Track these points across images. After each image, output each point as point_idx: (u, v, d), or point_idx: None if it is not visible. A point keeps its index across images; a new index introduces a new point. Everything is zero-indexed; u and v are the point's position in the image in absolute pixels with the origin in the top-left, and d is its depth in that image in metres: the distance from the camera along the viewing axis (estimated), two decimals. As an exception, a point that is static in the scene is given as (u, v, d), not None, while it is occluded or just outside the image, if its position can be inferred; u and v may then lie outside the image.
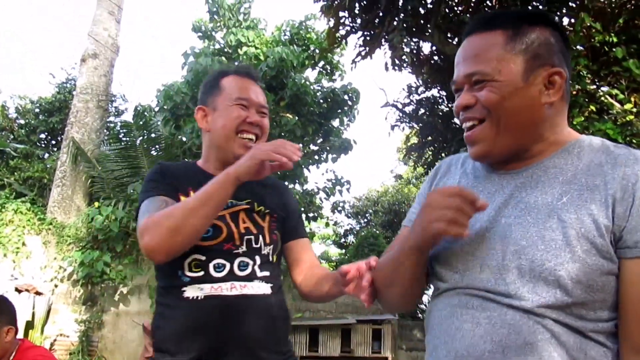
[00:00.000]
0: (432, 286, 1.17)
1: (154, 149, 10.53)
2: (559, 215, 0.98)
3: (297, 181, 12.19)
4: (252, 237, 1.54)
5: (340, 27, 6.46)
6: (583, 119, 5.60)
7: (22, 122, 14.10)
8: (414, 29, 5.99)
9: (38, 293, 8.47)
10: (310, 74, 12.37)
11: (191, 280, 1.46)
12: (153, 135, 10.62)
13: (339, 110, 11.60)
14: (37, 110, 13.95)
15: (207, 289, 1.45)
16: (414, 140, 9.50)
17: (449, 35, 6.18)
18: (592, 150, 1.07)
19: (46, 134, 14.11)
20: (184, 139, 10.84)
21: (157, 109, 11.06)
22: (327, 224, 17.63)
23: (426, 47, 7.13)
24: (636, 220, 0.95)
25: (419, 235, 1.04)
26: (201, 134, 1.75)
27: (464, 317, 1.01)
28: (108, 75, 11.21)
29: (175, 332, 1.45)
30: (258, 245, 1.54)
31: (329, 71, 12.48)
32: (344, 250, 17.79)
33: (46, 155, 13.11)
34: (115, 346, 8.83)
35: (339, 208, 14.77)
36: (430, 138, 8.18)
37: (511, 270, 0.98)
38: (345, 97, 11.33)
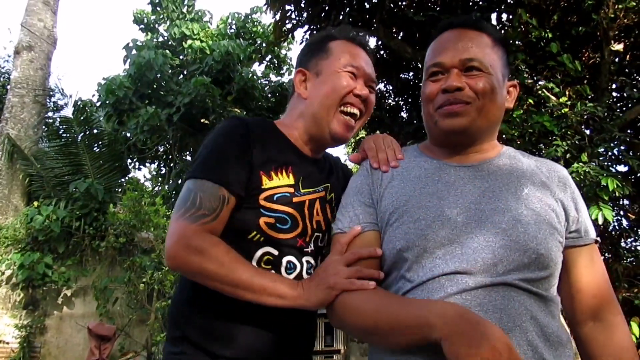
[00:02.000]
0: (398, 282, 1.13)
1: (96, 145, 10.19)
2: (525, 204, 1.11)
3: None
4: (320, 234, 1.35)
5: (287, 21, 6.43)
6: (522, 111, 5.82)
7: (-48, 118, 13.28)
8: (359, 24, 6.05)
9: (-26, 299, 8.06)
10: (258, 68, 12.28)
11: None
12: (95, 131, 10.28)
13: (287, 105, 11.59)
14: (-33, 106, 13.19)
15: None
16: (363, 134, 9.61)
17: (394, 30, 6.28)
18: (524, 156, 1.25)
19: (-22, 131, 13.37)
20: (128, 134, 10.55)
21: (98, 103, 10.70)
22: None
23: (372, 42, 7.22)
24: (583, 213, 1.17)
25: (452, 344, 0.89)
26: (293, 99, 1.54)
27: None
28: (45, 69, 10.72)
29: (223, 333, 1.24)
30: (322, 245, 1.36)
31: (276, 65, 12.43)
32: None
33: (-21, 153, 12.44)
34: (60, 351, 8.51)
35: (289, 202, 14.76)
36: (377, 132, 8.30)
37: (496, 250, 1.05)
38: (293, 91, 11.33)
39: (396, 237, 1.11)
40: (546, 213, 1.11)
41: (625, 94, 6.23)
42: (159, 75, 10.47)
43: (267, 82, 11.68)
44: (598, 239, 1.18)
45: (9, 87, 10.69)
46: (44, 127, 10.77)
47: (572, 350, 1.08)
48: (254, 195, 1.26)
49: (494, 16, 6.04)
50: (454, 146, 1.20)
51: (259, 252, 1.26)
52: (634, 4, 5.68)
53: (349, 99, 1.37)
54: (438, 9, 5.84)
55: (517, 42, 6.06)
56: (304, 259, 1.30)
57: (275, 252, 1.27)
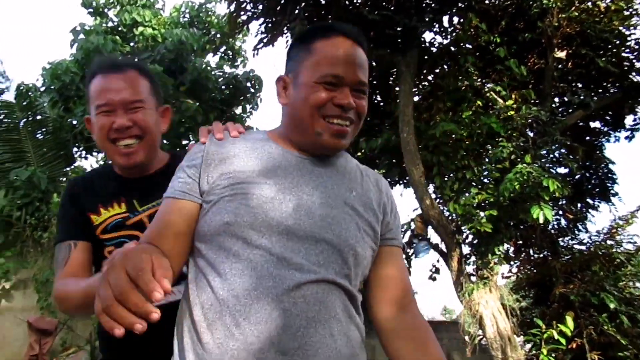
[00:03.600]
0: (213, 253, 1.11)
1: (40, 132, 9.78)
2: (351, 205, 1.19)
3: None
4: None
5: (242, 12, 6.38)
6: (470, 113, 6.00)
7: None
8: (315, 19, 6.06)
9: None
10: (212, 59, 12.10)
11: None
12: (39, 117, 9.86)
13: (242, 98, 11.47)
14: None
15: None
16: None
17: (349, 27, 6.33)
18: (355, 162, 1.34)
19: None
20: (74, 122, 10.18)
21: (43, 88, 10.27)
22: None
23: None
24: (396, 219, 1.32)
25: None
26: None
27: (280, 298, 1.05)
28: (-15, 51, 10.19)
29: (114, 341, 1.43)
30: None
31: (230, 57, 12.28)
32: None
33: None
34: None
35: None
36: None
37: (319, 242, 1.11)
38: (248, 84, 11.21)
39: (225, 210, 1.11)
40: (368, 216, 1.22)
41: (566, 100, 6.53)
42: (108, 62, 10.15)
43: (221, 74, 11.51)
44: (404, 245, 1.32)
45: (-56, 67, 10.11)
46: (-18, 111, 10.26)
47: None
48: (93, 234, 1.48)
49: (445, 19, 6.19)
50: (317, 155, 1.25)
51: None
52: (576, 14, 5.95)
53: (112, 135, 1.45)
54: (392, 8, 5.93)
55: (467, 45, 6.23)
56: None
57: None
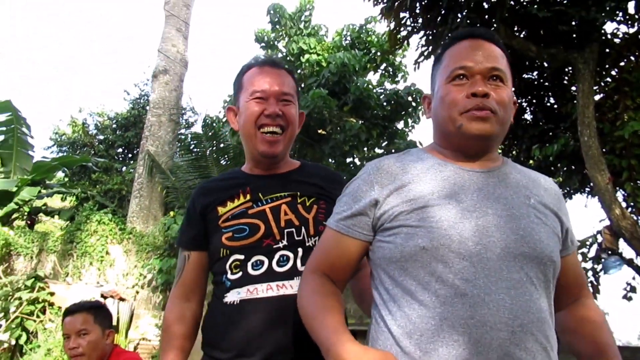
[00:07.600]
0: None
1: (223, 158, 10.85)
2: (535, 213, 1.15)
3: (363, 185, 12.12)
4: (294, 229, 1.47)
5: (402, 28, 6.40)
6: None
7: (101, 137, 14.98)
8: (478, 25, 5.84)
9: (121, 299, 8.91)
10: (373, 77, 12.33)
11: (232, 284, 1.45)
12: (222, 145, 10.95)
13: (403, 112, 11.47)
14: (114, 126, 14.77)
15: (244, 293, 1.42)
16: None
17: (515, 28, 5.99)
18: (522, 168, 1.29)
19: (123, 147, 14.91)
20: (251, 147, 11.06)
21: (224, 119, 11.39)
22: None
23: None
24: (569, 225, 1.25)
25: None
26: None
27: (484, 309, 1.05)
28: (178, 90, 11.67)
29: (213, 334, 1.50)
30: (301, 238, 1.47)
31: (391, 73, 12.38)
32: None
33: (124, 168, 13.84)
34: (195, 350, 9.10)
35: (407, 210, 14.58)
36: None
37: (517, 257, 1.08)
38: (409, 98, 11.18)
39: (418, 235, 1.11)
40: (551, 222, 1.17)
41: None
42: (278, 90, 10.90)
43: (382, 91, 11.67)
44: (578, 243, 1.20)
45: (148, 108, 11.78)
46: (177, 142, 11.73)
47: None
48: (216, 224, 1.52)
49: (631, 5, 5.52)
50: (471, 152, 1.22)
51: (230, 261, 1.48)
52: None
53: (261, 121, 1.54)
54: (565, 2, 5.46)
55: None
56: (276, 255, 1.45)
57: (242, 257, 1.46)
